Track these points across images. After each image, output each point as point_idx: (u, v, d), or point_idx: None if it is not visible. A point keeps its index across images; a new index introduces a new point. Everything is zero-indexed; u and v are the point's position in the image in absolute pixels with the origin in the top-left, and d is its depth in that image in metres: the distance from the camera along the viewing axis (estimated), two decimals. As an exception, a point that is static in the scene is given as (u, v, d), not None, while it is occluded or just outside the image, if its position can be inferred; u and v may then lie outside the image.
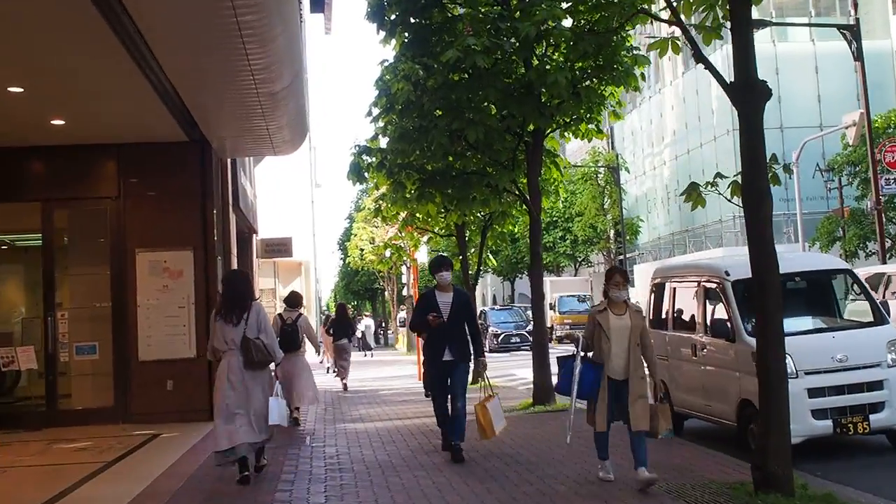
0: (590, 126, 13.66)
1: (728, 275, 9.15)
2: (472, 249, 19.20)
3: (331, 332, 18.05)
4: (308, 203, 40.44)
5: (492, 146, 12.79)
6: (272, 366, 8.07)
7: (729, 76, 6.81)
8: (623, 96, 15.17)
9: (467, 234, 18.40)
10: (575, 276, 47.73)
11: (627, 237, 39.41)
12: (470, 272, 18.22)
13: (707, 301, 9.65)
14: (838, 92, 36.25)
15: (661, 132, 43.22)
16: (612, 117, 14.39)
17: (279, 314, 12.54)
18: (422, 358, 21.16)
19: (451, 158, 13.12)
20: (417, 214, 18.16)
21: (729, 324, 8.89)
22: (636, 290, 39.27)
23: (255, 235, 18.09)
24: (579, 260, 46.07)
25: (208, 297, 12.27)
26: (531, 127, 12.72)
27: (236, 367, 7.60)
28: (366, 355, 31.66)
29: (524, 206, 14.17)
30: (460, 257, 18.43)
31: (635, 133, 45.90)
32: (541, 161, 13.51)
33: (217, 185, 12.88)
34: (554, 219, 41.99)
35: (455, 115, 12.20)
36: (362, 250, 39.72)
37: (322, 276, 63.22)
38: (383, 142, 14.43)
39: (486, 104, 12.55)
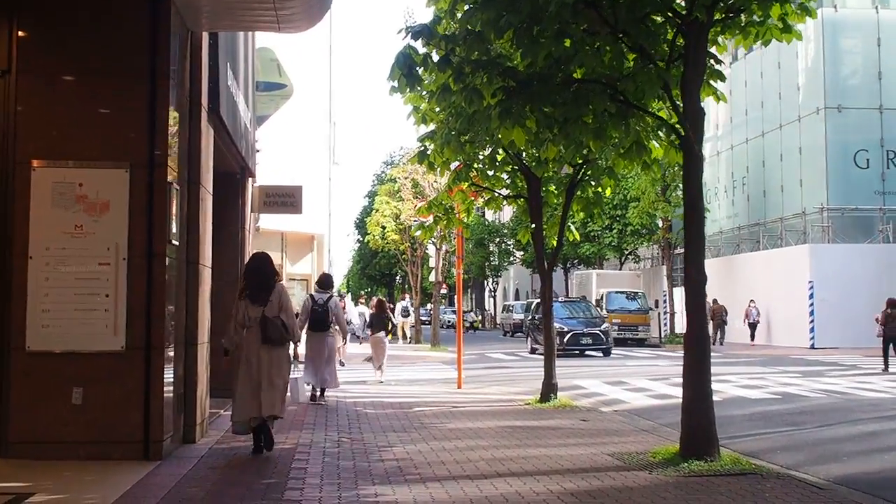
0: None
1: None
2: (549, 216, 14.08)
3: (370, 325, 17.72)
4: (324, 179, 35.58)
5: (642, 22, 7.69)
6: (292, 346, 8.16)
7: None
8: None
9: (542, 195, 13.29)
10: (620, 269, 42.51)
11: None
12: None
13: None
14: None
15: (730, 112, 37.84)
16: (794, 17, 9.21)
17: (310, 295, 12.72)
18: (463, 358, 16.84)
19: (567, 44, 7.97)
20: (476, 164, 13.18)
21: None
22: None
23: (251, 180, 13.04)
24: (626, 252, 40.84)
25: (151, 251, 7.22)
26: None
27: (255, 343, 7.82)
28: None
29: (671, 137, 9.06)
30: (532, 227, 13.32)
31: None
32: (705, 65, 8.39)
33: (179, 67, 7.83)
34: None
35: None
36: (384, 228, 34.81)
37: (335, 258, 58.31)
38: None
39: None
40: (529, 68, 8.67)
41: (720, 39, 9.27)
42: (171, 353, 7.56)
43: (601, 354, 26.38)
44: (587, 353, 26.60)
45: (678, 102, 8.24)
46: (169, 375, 7.44)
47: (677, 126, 8.37)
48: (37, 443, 7.02)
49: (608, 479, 6.90)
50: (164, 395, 7.24)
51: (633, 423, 10.76)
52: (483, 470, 7.22)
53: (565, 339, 25.88)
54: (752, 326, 31.22)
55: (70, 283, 7.11)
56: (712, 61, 8.93)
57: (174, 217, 7.52)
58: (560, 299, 30.27)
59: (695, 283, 7.94)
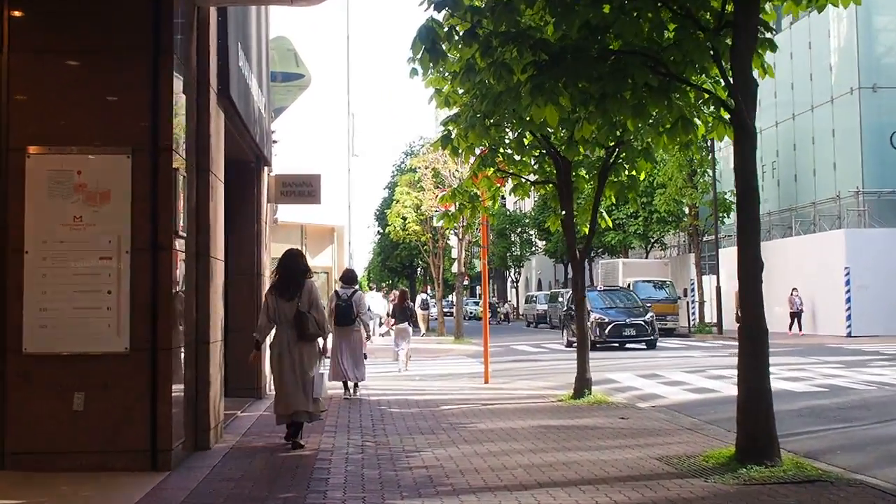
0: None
1: None
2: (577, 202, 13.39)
3: (392, 315, 18.45)
4: (344, 171, 35.01)
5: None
6: (320, 340, 8.29)
7: None
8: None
9: (573, 180, 12.60)
10: (646, 258, 41.64)
11: (719, 216, 32.85)
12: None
13: None
14: None
15: (759, 95, 36.78)
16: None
17: (335, 290, 12.96)
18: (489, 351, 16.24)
19: (606, 9, 7.30)
20: (501, 149, 12.51)
21: None
22: (724, 278, 33.11)
23: (266, 169, 12.43)
24: (652, 241, 39.95)
25: (156, 244, 6.64)
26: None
27: (290, 340, 8.00)
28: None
29: (719, 112, 8.36)
30: (562, 214, 12.65)
31: (722, 98, 39.40)
32: (757, 31, 7.68)
33: (184, 45, 7.22)
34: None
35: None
36: (405, 219, 34.19)
37: (356, 251, 57.83)
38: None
39: None
40: (562, 41, 8.01)
41: (768, 7, 8.58)
42: (181, 354, 6.97)
43: (645, 347, 24.42)
44: (630, 345, 24.73)
45: (728, 74, 7.55)
46: (178, 378, 6.86)
47: (727, 99, 7.67)
48: (35, 453, 6.46)
49: (661, 488, 6.24)
50: (173, 399, 6.66)
51: (675, 420, 10.11)
52: (521, 479, 6.58)
53: (606, 331, 24.17)
54: (796, 315, 29.25)
55: (69, 279, 6.54)
56: (762, 28, 8.21)
57: (181, 206, 6.93)
58: (599, 287, 28.76)
59: (750, 269, 7.25)
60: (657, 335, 25.03)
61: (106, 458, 6.47)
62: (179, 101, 6.99)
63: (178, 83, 6.94)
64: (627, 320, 24.56)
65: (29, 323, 6.49)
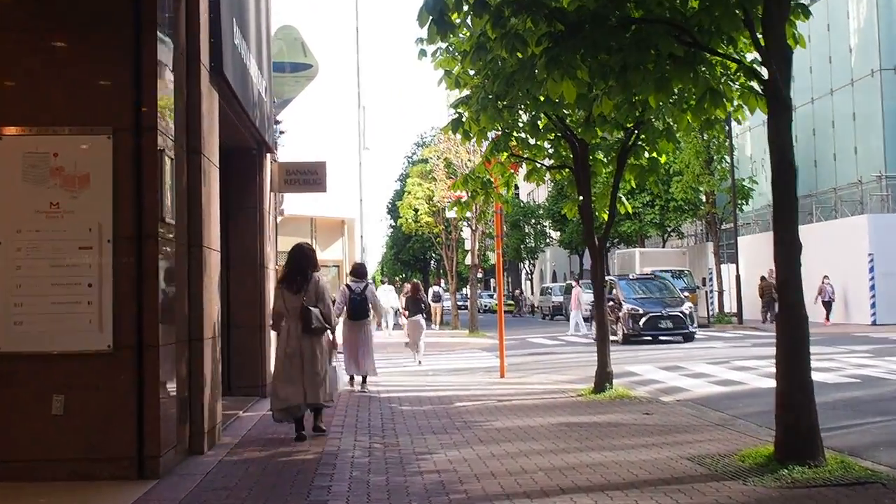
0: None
1: None
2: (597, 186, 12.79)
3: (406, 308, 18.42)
4: (355, 164, 34.51)
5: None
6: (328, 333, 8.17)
7: None
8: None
9: (590, 164, 12.00)
10: (663, 247, 40.94)
11: (737, 203, 32.04)
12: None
13: None
14: None
15: (776, 79, 35.96)
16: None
17: (347, 284, 12.72)
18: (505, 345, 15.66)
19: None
20: (515, 133, 11.92)
21: None
22: (742, 267, 32.33)
23: (269, 156, 11.86)
24: (669, 229, 39.21)
25: (141, 232, 6.09)
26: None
27: (295, 333, 7.92)
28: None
29: (751, 83, 7.75)
30: (579, 200, 12.04)
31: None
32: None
33: (171, 16, 6.66)
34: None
35: None
36: (416, 210, 33.64)
37: (368, 245, 57.33)
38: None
39: None
40: (579, 10, 7.42)
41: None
42: (171, 352, 6.43)
43: (682, 340, 22.46)
44: (664, 338, 22.76)
45: (760, 41, 6.94)
46: (168, 377, 6.32)
47: (755, 67, 7.06)
48: (10, 462, 5.94)
49: (696, 493, 5.66)
50: (162, 401, 6.12)
51: (702, 415, 9.53)
52: (542, 483, 6.01)
53: (641, 323, 22.36)
54: (827, 305, 27.80)
55: (46, 271, 6.01)
56: (795, -7, 7.58)
57: (168, 191, 6.38)
58: (631, 276, 27.09)
59: (788, 253, 6.65)
60: (696, 327, 23.23)
61: (89, 466, 5.94)
62: (166, 77, 6.45)
63: (164, 58, 6.39)
64: (664, 311, 22.48)
65: (2, 320, 5.97)
